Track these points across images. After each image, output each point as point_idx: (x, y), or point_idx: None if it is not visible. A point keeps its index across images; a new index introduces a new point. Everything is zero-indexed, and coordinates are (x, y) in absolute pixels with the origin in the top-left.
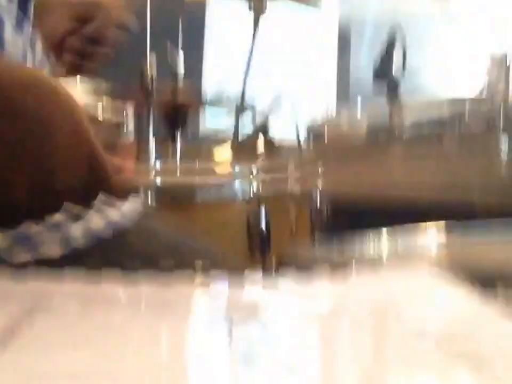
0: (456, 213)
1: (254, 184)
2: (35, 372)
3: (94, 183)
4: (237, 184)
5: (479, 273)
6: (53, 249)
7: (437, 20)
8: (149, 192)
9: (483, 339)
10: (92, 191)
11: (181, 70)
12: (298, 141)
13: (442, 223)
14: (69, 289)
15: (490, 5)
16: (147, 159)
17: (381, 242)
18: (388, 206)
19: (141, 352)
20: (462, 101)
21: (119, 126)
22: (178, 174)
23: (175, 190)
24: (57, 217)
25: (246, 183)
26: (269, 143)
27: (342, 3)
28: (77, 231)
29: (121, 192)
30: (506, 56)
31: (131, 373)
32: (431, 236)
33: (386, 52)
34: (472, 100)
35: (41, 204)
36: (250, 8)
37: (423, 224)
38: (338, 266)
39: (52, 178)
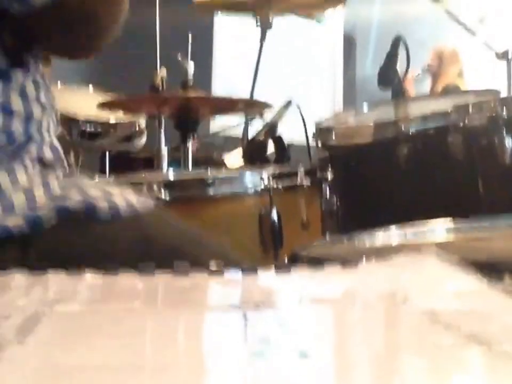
0: (463, 208)
1: (265, 178)
2: (54, 362)
3: None
4: (248, 178)
5: (485, 262)
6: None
7: (439, 24)
8: (162, 187)
9: (491, 319)
10: None
11: (191, 79)
12: (307, 138)
13: (449, 219)
14: (88, 282)
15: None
16: (160, 167)
17: (390, 235)
18: (397, 202)
19: (159, 339)
20: (465, 94)
21: (131, 137)
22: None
23: (187, 184)
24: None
25: (257, 177)
26: (278, 142)
27: (346, 15)
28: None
29: None
30: (507, 52)
31: (150, 362)
32: (439, 230)
33: (390, 60)
34: (476, 93)
35: None
36: (257, 24)
37: (431, 220)
38: (349, 259)
39: None
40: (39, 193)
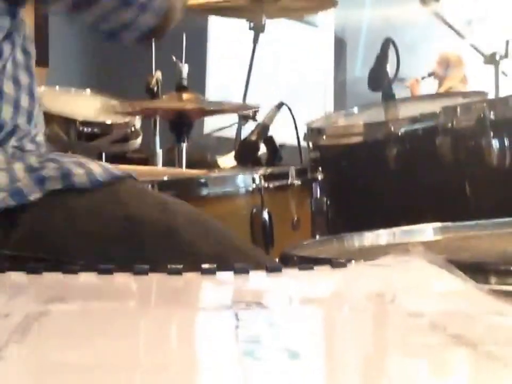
0: (450, 209)
1: (257, 179)
2: (50, 362)
3: None
4: (240, 178)
5: (471, 263)
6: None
7: (428, 27)
8: (155, 186)
9: (476, 320)
10: None
11: (186, 81)
12: (298, 139)
13: (437, 223)
14: (83, 281)
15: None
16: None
17: (378, 237)
18: (385, 202)
19: (152, 339)
20: (453, 96)
21: (127, 138)
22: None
23: (180, 184)
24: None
25: (248, 178)
26: (270, 142)
27: (337, 18)
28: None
29: None
30: (495, 54)
31: (142, 362)
32: (426, 230)
33: (380, 62)
34: (464, 94)
35: None
36: (250, 27)
37: (419, 222)
38: (339, 259)
39: None
40: (19, 168)
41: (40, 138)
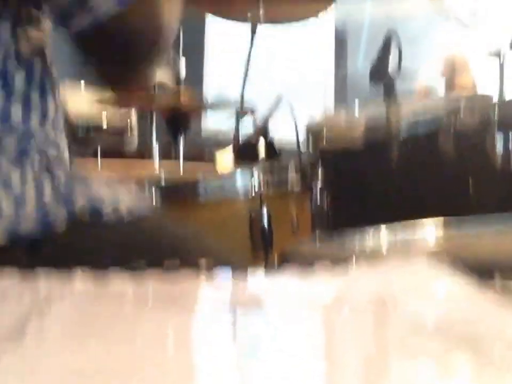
0: (453, 208)
1: (256, 181)
2: (44, 367)
3: None
4: (239, 182)
5: (476, 264)
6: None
7: (430, 21)
8: (153, 190)
9: (480, 325)
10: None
11: (183, 76)
12: (298, 141)
13: (440, 218)
14: (78, 286)
15: (483, 5)
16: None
17: (380, 237)
18: (387, 205)
19: (149, 345)
20: (457, 98)
21: (123, 133)
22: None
23: (178, 188)
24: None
25: (247, 181)
26: (269, 145)
27: (337, 12)
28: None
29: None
30: (500, 53)
31: (139, 368)
32: (429, 230)
33: (382, 56)
34: (467, 97)
35: None
36: (248, 20)
37: (421, 220)
38: (339, 261)
39: None
40: (47, 191)
41: (64, 139)
